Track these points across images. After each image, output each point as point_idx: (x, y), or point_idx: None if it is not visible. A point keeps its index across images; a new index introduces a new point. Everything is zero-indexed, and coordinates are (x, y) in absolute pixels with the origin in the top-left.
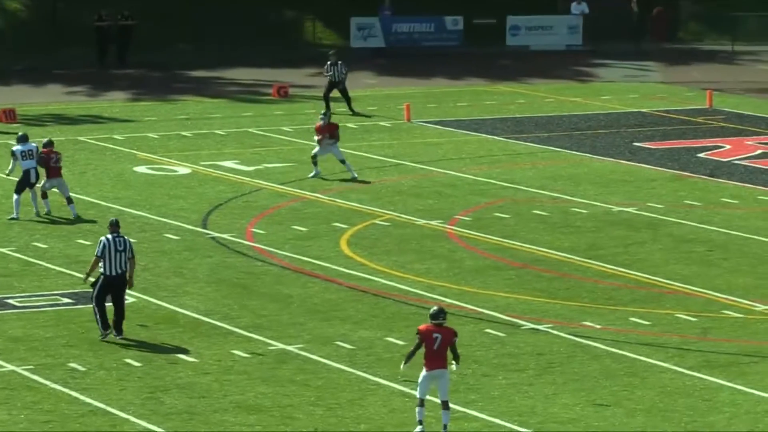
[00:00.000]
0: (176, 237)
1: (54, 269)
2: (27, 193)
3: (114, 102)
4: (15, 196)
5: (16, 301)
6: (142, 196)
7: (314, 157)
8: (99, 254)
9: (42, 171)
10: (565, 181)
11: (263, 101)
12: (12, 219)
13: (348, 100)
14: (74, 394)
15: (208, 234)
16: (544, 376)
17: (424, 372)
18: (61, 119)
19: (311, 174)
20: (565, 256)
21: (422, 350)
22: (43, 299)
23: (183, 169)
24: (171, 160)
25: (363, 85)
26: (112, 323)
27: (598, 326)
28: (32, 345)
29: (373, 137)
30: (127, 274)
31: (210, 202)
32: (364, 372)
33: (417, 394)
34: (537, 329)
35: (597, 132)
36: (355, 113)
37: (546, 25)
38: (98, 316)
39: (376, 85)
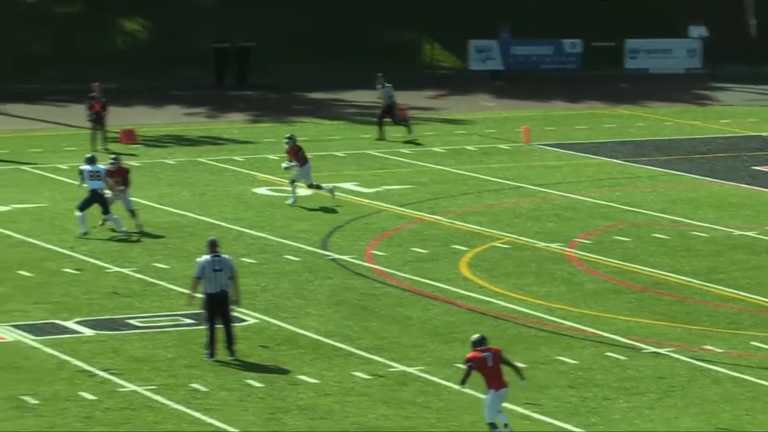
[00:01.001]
0: (297, 258)
1: (175, 290)
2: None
3: (233, 123)
4: (79, 213)
5: (138, 322)
6: (262, 218)
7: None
8: (197, 275)
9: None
10: (685, 204)
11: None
12: (83, 234)
13: (384, 121)
14: (196, 414)
15: (328, 255)
16: (665, 400)
17: (490, 393)
18: (181, 140)
19: (290, 201)
20: (685, 280)
21: (479, 375)
22: (164, 320)
23: (303, 191)
24: None
25: (481, 107)
26: (224, 345)
27: (719, 350)
28: (154, 365)
29: (492, 160)
30: (231, 293)
31: (330, 223)
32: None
33: (486, 419)
34: (658, 353)
35: (717, 156)
36: (381, 138)
37: (665, 49)
38: (207, 338)
39: (495, 108)
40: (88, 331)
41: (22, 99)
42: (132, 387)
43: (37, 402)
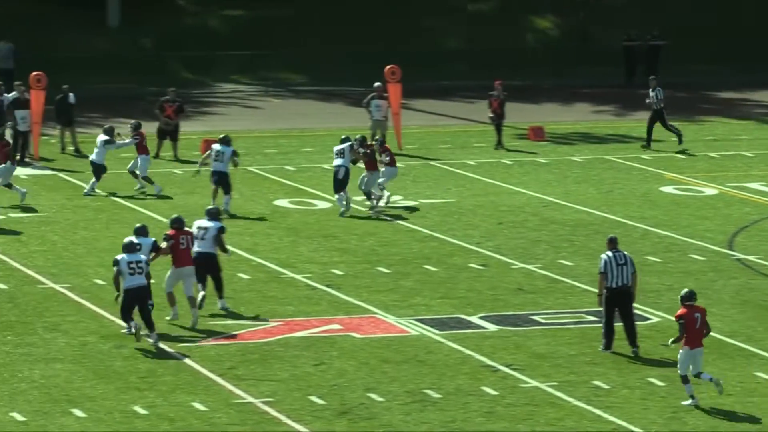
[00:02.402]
0: (701, 258)
1: (579, 287)
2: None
3: (641, 122)
4: (336, 196)
5: (542, 318)
6: (668, 216)
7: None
8: (602, 270)
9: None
10: None
11: None
12: (343, 213)
13: (668, 128)
14: (597, 411)
15: (733, 255)
16: None
17: (685, 350)
18: (588, 138)
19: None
20: None
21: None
22: (567, 316)
23: (709, 190)
24: (698, 180)
25: None
26: (627, 339)
27: None
28: (556, 362)
29: None
30: (631, 289)
31: (736, 223)
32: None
33: (679, 372)
34: None
35: None
36: (682, 147)
37: None
38: (603, 329)
39: None
40: (491, 327)
41: (431, 95)
42: (533, 383)
43: (439, 396)
